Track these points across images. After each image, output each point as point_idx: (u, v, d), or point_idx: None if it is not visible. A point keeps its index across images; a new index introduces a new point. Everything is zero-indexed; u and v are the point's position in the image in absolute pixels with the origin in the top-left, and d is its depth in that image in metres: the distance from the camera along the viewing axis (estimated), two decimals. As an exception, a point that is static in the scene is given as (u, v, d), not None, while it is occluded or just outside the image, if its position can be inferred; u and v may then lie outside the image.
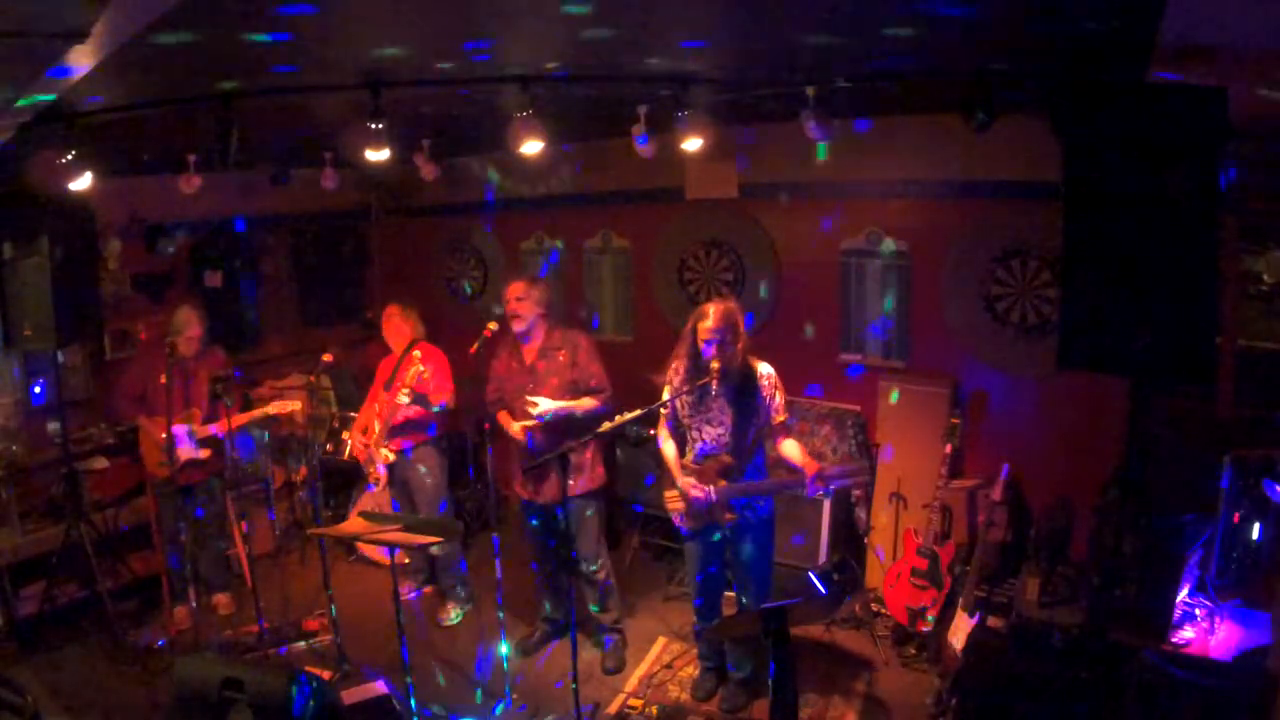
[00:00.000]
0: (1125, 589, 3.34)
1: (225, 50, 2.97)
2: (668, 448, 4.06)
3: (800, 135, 4.01)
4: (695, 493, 3.85)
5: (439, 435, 5.09)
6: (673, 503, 4.00)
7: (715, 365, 3.68)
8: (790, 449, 3.86)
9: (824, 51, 3.44)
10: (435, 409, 4.91)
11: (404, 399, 4.75)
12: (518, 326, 4.41)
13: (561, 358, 4.41)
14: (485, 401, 4.62)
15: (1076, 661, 3.35)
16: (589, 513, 4.51)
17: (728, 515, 3.86)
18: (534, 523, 4.60)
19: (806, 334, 5.58)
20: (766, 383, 3.85)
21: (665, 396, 3.97)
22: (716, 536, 3.98)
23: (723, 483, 3.84)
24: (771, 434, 3.91)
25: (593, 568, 4.55)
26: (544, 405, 4.25)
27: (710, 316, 3.72)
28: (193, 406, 4.91)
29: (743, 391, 3.82)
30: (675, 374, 3.97)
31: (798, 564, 4.86)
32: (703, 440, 3.92)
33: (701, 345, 3.74)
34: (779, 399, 3.87)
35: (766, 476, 3.98)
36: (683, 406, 3.95)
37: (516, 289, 4.43)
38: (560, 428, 4.27)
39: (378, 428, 4.91)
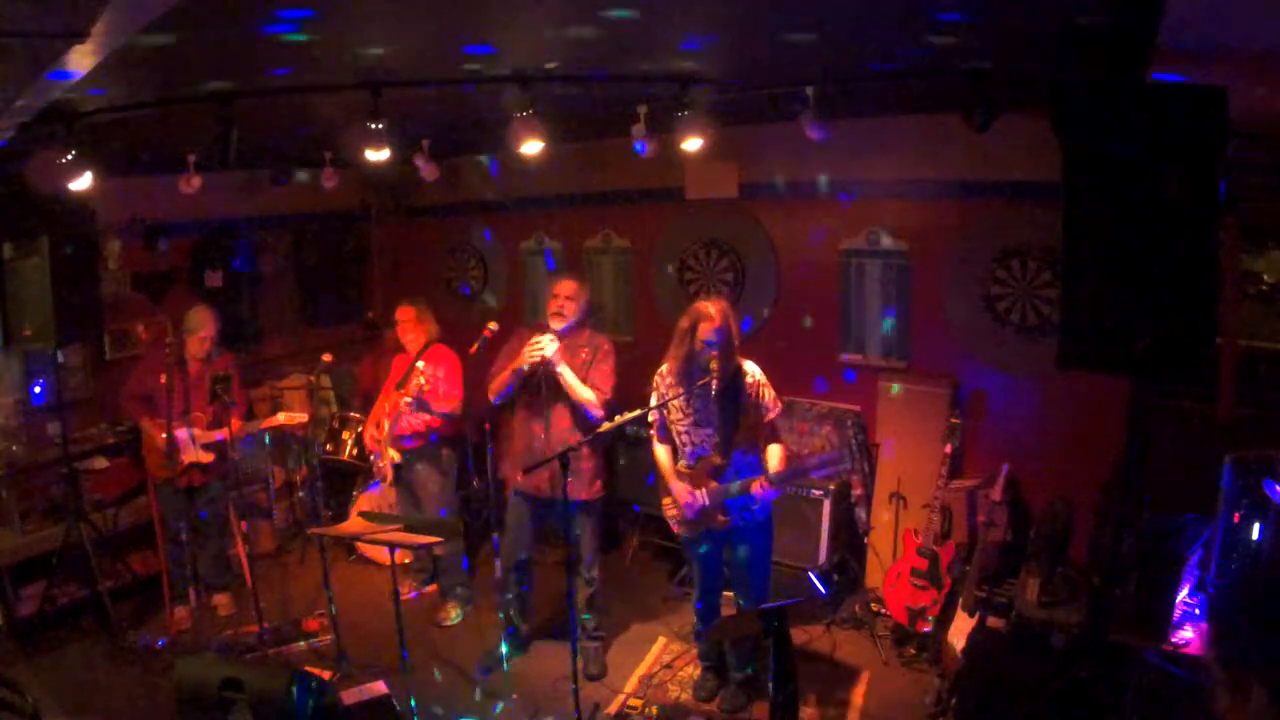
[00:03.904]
0: (1125, 589, 3.33)
1: (224, 51, 2.97)
2: (661, 453, 4.06)
3: (800, 135, 4.01)
4: (686, 498, 3.86)
5: (440, 440, 5.07)
6: (669, 509, 4.01)
7: (714, 365, 3.68)
8: (771, 453, 3.86)
9: (823, 52, 3.44)
10: (440, 415, 4.90)
11: (406, 403, 4.75)
12: (557, 324, 4.31)
13: (583, 355, 4.36)
14: (488, 379, 4.48)
15: (1076, 661, 3.34)
16: (590, 519, 4.50)
17: (720, 517, 3.86)
18: (528, 514, 4.53)
19: (806, 334, 5.58)
20: (751, 380, 3.84)
21: (653, 401, 3.95)
22: (714, 539, 3.98)
23: (713, 484, 3.84)
24: (766, 432, 3.90)
25: (593, 573, 4.56)
26: (551, 348, 4.18)
27: (715, 316, 3.70)
28: (195, 410, 4.90)
29: (730, 390, 3.80)
30: (663, 378, 3.95)
31: (798, 564, 4.86)
32: (693, 443, 3.91)
33: (703, 345, 3.72)
34: (768, 395, 3.86)
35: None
36: (673, 409, 3.93)
37: (568, 288, 4.38)
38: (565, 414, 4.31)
39: (386, 426, 4.91)
